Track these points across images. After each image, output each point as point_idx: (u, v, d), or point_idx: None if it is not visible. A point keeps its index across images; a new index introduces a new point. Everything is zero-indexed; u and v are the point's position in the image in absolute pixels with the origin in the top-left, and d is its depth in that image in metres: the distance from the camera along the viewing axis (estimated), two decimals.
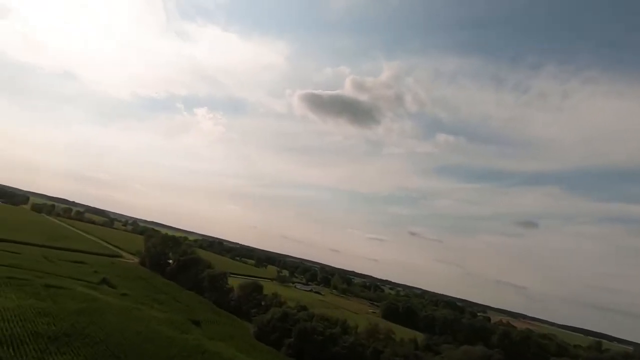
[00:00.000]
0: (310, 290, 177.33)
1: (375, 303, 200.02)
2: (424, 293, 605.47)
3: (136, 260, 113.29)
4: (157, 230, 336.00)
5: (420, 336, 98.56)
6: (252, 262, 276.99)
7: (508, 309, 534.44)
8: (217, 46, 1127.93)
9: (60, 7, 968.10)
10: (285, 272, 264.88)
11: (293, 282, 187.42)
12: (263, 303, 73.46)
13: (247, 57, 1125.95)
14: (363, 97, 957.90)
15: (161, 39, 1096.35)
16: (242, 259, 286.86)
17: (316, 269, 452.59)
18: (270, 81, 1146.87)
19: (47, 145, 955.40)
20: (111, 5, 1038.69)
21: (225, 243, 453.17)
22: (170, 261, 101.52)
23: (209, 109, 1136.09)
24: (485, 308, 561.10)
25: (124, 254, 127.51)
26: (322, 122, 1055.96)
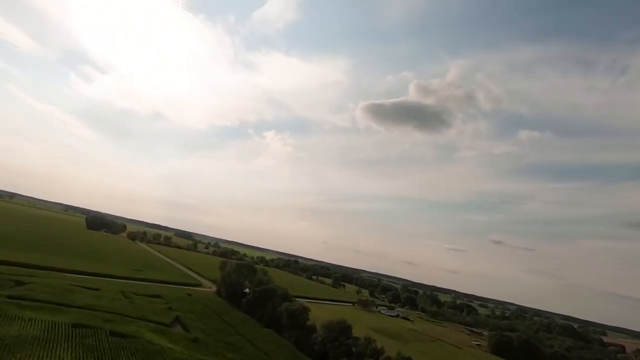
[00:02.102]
0: (397, 316, 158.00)
1: (473, 329, 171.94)
2: (520, 310, 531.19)
3: (213, 289, 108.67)
4: (236, 251, 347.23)
5: None
6: (329, 281, 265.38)
7: (627, 327, 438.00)
8: (281, 71, 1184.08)
9: (149, 59, 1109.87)
10: (365, 293, 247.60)
11: (376, 306, 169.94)
12: (354, 350, 59.48)
13: (308, 78, 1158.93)
14: (429, 101, 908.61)
15: (231, 72, 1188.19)
16: (319, 278, 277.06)
17: (397, 285, 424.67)
18: (333, 97, 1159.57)
19: (143, 177, 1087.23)
20: (188, 49, 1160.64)
21: (300, 261, 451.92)
22: (247, 290, 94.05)
23: (277, 131, 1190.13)
24: (602, 327, 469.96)
25: (203, 280, 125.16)
26: (387, 131, 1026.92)
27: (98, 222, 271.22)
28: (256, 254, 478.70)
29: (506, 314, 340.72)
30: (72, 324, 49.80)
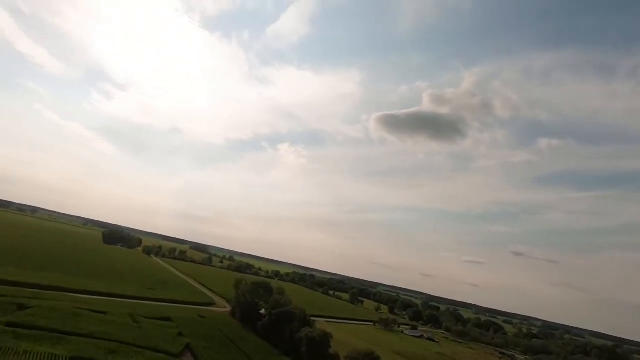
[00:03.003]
0: (421, 337, 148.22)
1: (504, 352, 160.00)
2: (546, 326, 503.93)
3: (227, 308, 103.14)
4: (251, 265, 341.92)
5: None
6: (347, 296, 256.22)
7: None
8: (294, 84, 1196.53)
9: (166, 76, 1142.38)
10: (384, 309, 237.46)
11: (398, 325, 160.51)
12: None
13: (321, 90, 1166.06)
14: (443, 110, 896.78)
15: (245, 87, 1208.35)
16: (336, 293, 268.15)
17: (416, 300, 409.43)
18: (346, 109, 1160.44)
19: (160, 190, 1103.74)
20: (205, 65, 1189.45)
21: (316, 274, 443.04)
22: (263, 311, 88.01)
23: (291, 144, 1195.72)
24: (637, 345, 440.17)
25: (216, 298, 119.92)
26: (400, 142, 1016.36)
27: (114, 237, 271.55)
28: (271, 267, 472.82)
29: (533, 331, 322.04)
30: (70, 357, 44.89)
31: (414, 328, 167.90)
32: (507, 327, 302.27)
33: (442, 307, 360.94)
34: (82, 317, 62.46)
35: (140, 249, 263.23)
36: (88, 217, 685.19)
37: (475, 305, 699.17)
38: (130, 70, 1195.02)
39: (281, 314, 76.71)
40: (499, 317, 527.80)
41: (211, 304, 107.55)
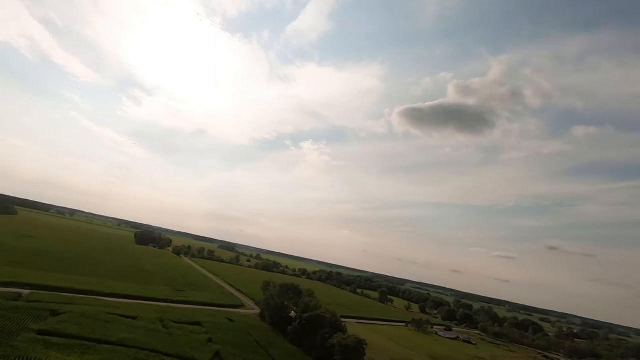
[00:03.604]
0: (457, 338, 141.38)
1: (547, 355, 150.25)
2: (586, 323, 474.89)
3: (256, 310, 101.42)
4: (278, 263, 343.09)
5: None
6: (375, 294, 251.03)
7: None
8: (315, 81, 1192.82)
9: (191, 79, 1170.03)
10: (415, 308, 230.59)
11: (431, 326, 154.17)
12: None
13: (343, 86, 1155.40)
14: (470, 101, 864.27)
15: (267, 86, 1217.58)
16: (364, 291, 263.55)
17: (446, 297, 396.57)
18: (368, 104, 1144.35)
19: (188, 191, 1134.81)
20: (227, 67, 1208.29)
21: (342, 271, 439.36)
22: (292, 314, 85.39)
23: (314, 141, 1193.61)
24: None
25: (245, 299, 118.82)
26: (426, 136, 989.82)
27: (146, 238, 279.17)
28: (297, 264, 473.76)
29: (574, 330, 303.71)
30: None
31: (448, 329, 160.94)
32: (546, 326, 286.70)
33: (476, 305, 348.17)
34: (112, 324, 61.78)
35: (170, 249, 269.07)
36: (122, 218, 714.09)
37: (508, 302, 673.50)
38: (157, 75, 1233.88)
39: (312, 319, 73.54)
40: (534, 314, 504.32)
41: (240, 305, 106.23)
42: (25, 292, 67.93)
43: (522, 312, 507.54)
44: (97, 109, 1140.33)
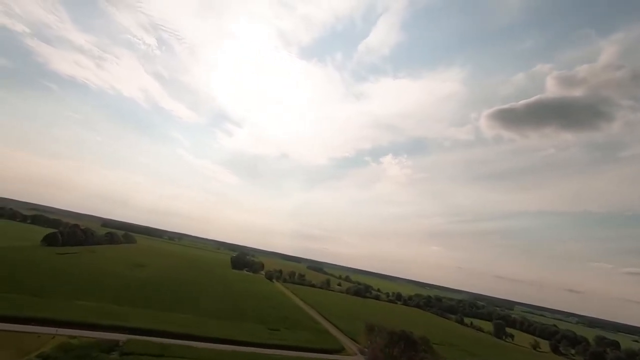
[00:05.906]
0: None
1: None
2: None
3: (358, 356, 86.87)
4: (369, 286, 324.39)
5: None
6: (487, 325, 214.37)
7: None
8: (390, 95, 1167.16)
9: (273, 108, 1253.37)
10: (544, 346, 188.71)
11: None
12: None
13: (420, 96, 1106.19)
14: (576, 93, 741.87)
15: (343, 105, 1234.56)
16: (472, 321, 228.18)
17: (571, 323, 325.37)
18: (450, 111, 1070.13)
19: (275, 212, 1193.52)
20: (305, 92, 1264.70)
21: (439, 295, 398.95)
22: None
23: (393, 155, 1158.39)
24: None
25: (343, 338, 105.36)
26: (522, 138, 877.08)
27: (241, 262, 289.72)
28: (387, 285, 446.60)
29: None
30: None
31: None
32: None
33: (610, 334, 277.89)
34: None
35: (263, 272, 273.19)
36: (220, 240, 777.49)
37: None
38: (244, 107, 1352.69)
39: None
40: None
41: (340, 350, 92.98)
42: (123, 338, 64.96)
43: None
44: (197, 143, 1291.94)
